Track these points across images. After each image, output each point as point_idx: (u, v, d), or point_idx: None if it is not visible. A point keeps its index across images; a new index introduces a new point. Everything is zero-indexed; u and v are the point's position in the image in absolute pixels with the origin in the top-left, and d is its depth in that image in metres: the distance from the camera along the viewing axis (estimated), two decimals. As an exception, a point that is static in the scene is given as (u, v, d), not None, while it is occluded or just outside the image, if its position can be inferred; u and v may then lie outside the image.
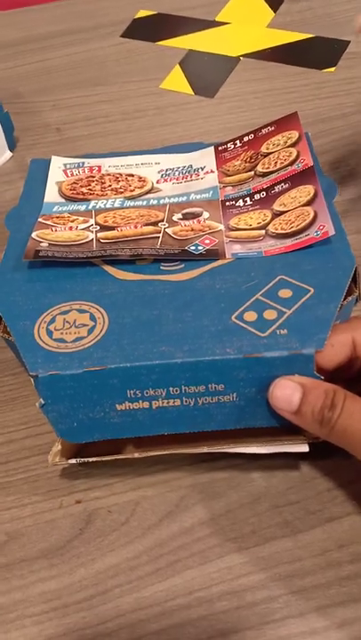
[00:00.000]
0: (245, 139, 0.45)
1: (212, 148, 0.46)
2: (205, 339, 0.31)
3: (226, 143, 0.46)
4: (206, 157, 0.45)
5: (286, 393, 0.30)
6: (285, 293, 0.32)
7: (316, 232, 0.35)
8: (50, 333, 0.32)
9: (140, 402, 0.31)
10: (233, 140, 0.46)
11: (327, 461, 0.34)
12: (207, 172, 0.43)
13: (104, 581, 0.32)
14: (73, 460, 0.33)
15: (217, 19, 0.69)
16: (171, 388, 0.30)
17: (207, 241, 0.37)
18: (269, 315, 0.31)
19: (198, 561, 0.32)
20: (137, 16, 0.72)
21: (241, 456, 0.34)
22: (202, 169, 0.44)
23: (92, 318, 0.32)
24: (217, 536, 0.33)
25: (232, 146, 0.45)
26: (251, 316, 0.32)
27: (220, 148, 0.45)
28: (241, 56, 0.64)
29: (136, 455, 0.33)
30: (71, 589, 0.31)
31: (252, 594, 0.31)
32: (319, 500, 0.33)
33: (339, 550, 0.32)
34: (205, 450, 0.33)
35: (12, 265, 0.36)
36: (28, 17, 0.75)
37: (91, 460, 0.33)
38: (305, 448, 0.32)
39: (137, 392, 0.30)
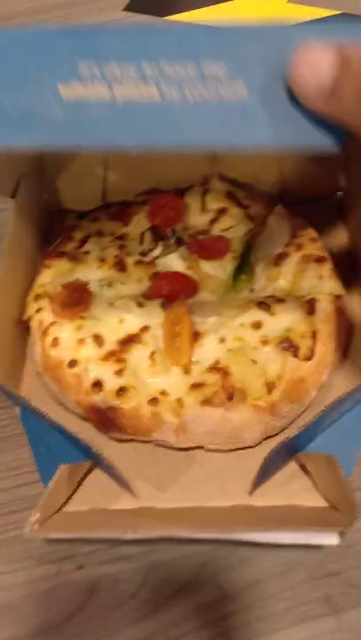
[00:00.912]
0: None
1: None
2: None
3: None
4: None
5: (314, 59, 0.19)
6: None
7: None
8: None
9: (97, 83, 0.21)
10: None
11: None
12: None
13: (110, 670, 0.27)
14: (54, 535, 0.28)
15: (232, -9, 0.62)
16: (144, 65, 0.21)
17: None
18: None
19: (222, 645, 0.27)
20: (142, -13, 0.65)
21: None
22: None
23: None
24: (244, 614, 0.28)
25: None
26: None
27: None
28: (260, 34, 0.57)
29: (128, 536, 0.28)
30: None
31: None
32: (364, 570, 0.28)
33: (389, 633, 0.27)
34: (214, 535, 0.28)
35: None
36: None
37: (74, 536, 0.28)
38: (334, 540, 0.27)
39: (93, 66, 0.21)
